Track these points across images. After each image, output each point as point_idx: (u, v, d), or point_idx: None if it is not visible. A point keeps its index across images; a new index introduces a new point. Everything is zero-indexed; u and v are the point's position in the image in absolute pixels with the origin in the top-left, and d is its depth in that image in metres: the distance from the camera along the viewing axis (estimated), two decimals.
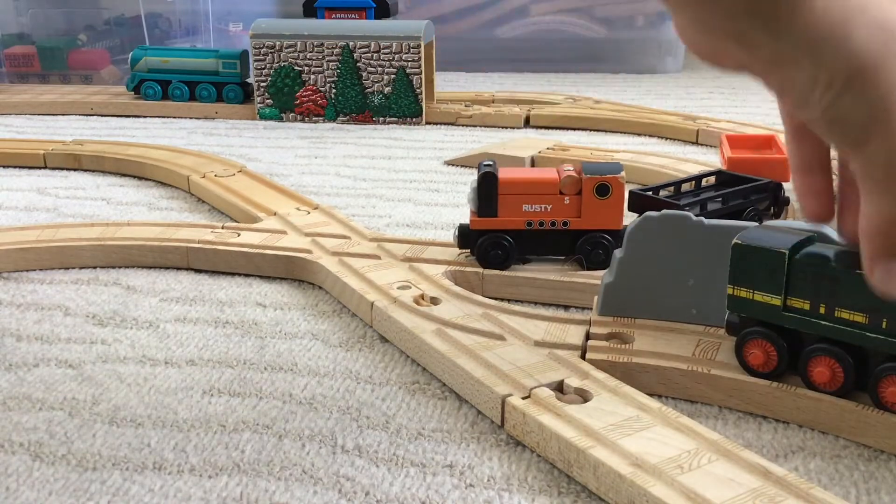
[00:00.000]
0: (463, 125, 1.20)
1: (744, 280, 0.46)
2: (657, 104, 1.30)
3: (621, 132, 1.13)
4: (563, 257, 0.64)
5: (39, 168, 1.01)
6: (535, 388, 0.46)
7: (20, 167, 1.01)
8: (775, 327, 0.46)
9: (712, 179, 0.75)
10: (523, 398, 0.46)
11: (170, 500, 0.41)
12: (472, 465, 0.43)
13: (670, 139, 1.10)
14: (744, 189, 0.69)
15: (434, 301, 0.58)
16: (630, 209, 0.67)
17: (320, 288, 0.65)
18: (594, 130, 1.15)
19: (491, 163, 0.63)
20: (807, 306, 0.44)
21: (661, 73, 1.62)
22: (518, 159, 0.95)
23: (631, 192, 0.68)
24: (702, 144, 1.06)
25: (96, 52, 1.53)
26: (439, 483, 0.42)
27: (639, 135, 1.12)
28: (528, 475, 0.43)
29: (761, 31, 0.27)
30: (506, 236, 0.63)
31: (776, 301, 0.45)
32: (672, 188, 0.72)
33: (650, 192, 0.69)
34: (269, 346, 0.56)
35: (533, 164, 0.96)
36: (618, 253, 0.55)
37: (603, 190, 0.61)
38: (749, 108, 1.27)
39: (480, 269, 0.63)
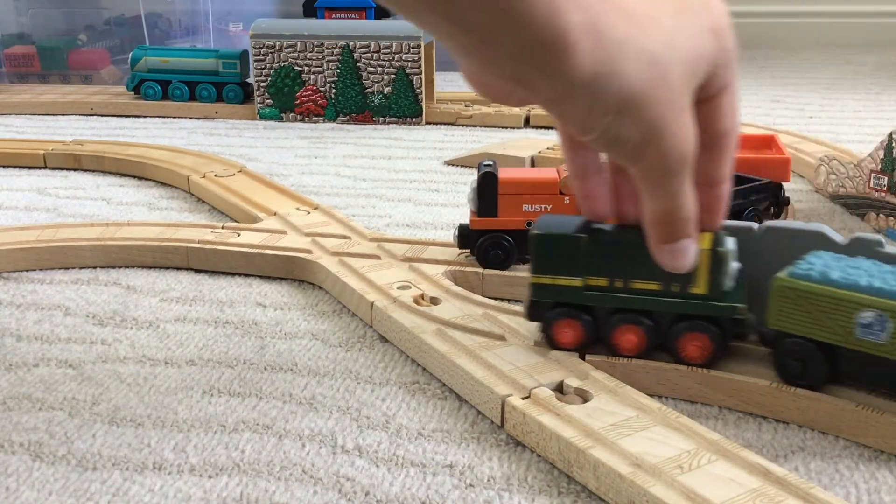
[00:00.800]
0: (463, 125, 1.20)
1: (546, 267, 0.49)
2: None
3: None
4: None
5: (39, 168, 1.01)
6: (535, 388, 0.46)
7: (20, 167, 1.01)
8: (578, 306, 0.49)
9: None
10: (523, 398, 0.46)
11: (170, 500, 0.41)
12: (472, 465, 0.43)
13: None
14: (743, 189, 0.69)
15: (434, 301, 0.58)
16: None
17: (320, 288, 0.65)
18: None
19: (491, 163, 0.63)
20: (604, 283, 0.48)
21: None
22: (518, 159, 0.95)
23: None
24: None
25: (96, 52, 1.53)
26: (439, 483, 0.42)
27: None
28: (528, 475, 0.43)
29: (536, 75, 0.30)
30: (506, 236, 0.63)
31: (577, 283, 0.49)
32: None
33: None
34: (269, 346, 0.56)
35: (533, 164, 0.96)
36: None
37: None
38: (749, 109, 1.27)
39: (480, 269, 0.63)
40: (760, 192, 0.70)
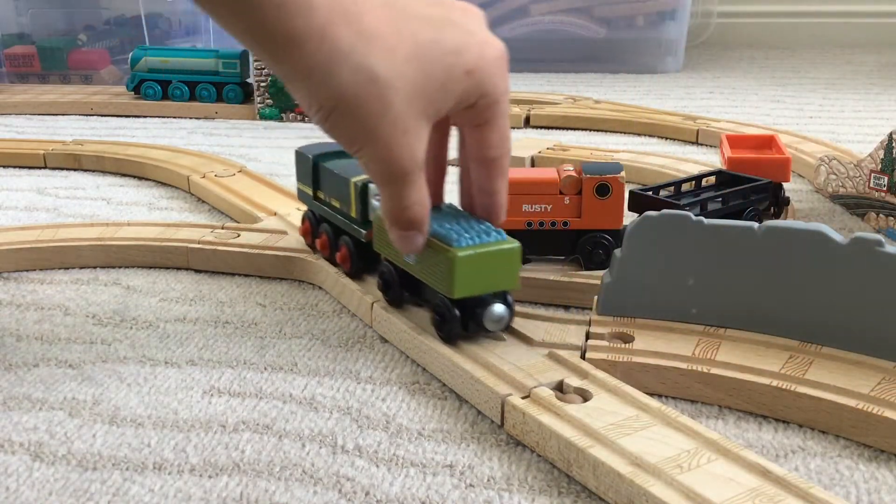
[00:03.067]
0: None
1: (299, 177, 0.65)
2: (657, 104, 1.30)
3: (621, 132, 1.13)
4: (563, 257, 0.64)
5: (39, 168, 1.01)
6: (535, 387, 0.46)
7: (20, 167, 1.01)
8: (313, 212, 0.65)
9: (712, 179, 0.75)
10: (523, 398, 0.46)
11: (170, 500, 0.41)
12: (472, 465, 0.43)
13: (670, 139, 1.10)
14: (743, 189, 0.69)
15: None
16: (630, 209, 0.67)
17: (320, 288, 0.65)
18: (594, 130, 1.15)
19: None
20: (322, 196, 0.62)
21: (661, 73, 1.62)
22: (518, 159, 0.95)
23: (631, 192, 0.67)
24: (702, 144, 1.06)
25: (96, 52, 1.53)
26: (439, 483, 0.42)
27: (639, 135, 1.12)
28: (528, 475, 0.43)
29: (267, 59, 0.37)
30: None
31: (310, 191, 0.63)
32: (672, 188, 0.72)
33: (650, 192, 0.69)
34: (269, 346, 0.56)
35: (533, 164, 0.96)
36: (618, 253, 0.55)
37: (603, 190, 0.61)
38: (749, 108, 1.27)
39: None
40: (760, 192, 0.70)
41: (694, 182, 0.74)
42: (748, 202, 0.69)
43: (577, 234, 0.63)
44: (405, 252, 0.49)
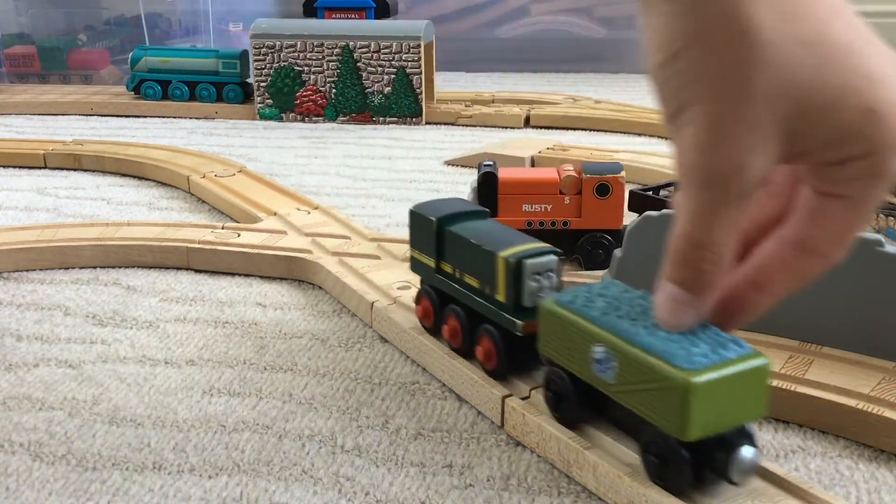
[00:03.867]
0: (463, 125, 1.20)
1: (415, 244, 0.53)
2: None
3: (621, 132, 1.13)
4: (563, 257, 0.64)
5: (39, 168, 1.01)
6: (535, 388, 0.46)
7: (20, 167, 1.01)
8: (434, 287, 0.52)
9: None
10: (523, 398, 0.46)
11: (170, 500, 0.41)
12: (471, 465, 0.43)
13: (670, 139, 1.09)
14: None
15: None
16: (630, 209, 0.67)
17: (320, 288, 0.65)
18: (594, 130, 1.15)
19: (491, 163, 0.63)
20: (450, 270, 0.50)
21: None
22: (518, 159, 0.95)
23: (631, 192, 0.68)
24: None
25: (96, 52, 1.53)
26: (439, 483, 0.42)
27: (639, 135, 1.12)
28: (527, 475, 0.43)
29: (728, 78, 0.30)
30: None
31: (432, 263, 0.51)
32: (672, 188, 0.72)
33: (650, 192, 0.69)
34: (269, 346, 0.56)
35: (533, 164, 0.96)
36: (618, 252, 0.55)
37: (603, 190, 0.61)
38: None
39: None
40: None
41: None
42: None
43: (577, 234, 0.63)
44: (668, 326, 0.35)
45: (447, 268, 0.50)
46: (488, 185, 0.62)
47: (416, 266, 0.53)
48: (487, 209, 0.51)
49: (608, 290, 0.41)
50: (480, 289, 0.47)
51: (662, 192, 0.70)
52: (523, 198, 0.62)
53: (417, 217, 0.51)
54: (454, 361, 0.50)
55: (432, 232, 0.50)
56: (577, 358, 0.39)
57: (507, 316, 0.45)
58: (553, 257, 0.45)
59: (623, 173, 0.62)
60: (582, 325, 0.39)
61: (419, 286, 0.53)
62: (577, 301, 0.40)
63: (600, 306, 0.39)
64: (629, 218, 0.58)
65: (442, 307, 0.51)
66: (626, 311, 0.39)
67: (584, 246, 0.62)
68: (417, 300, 0.53)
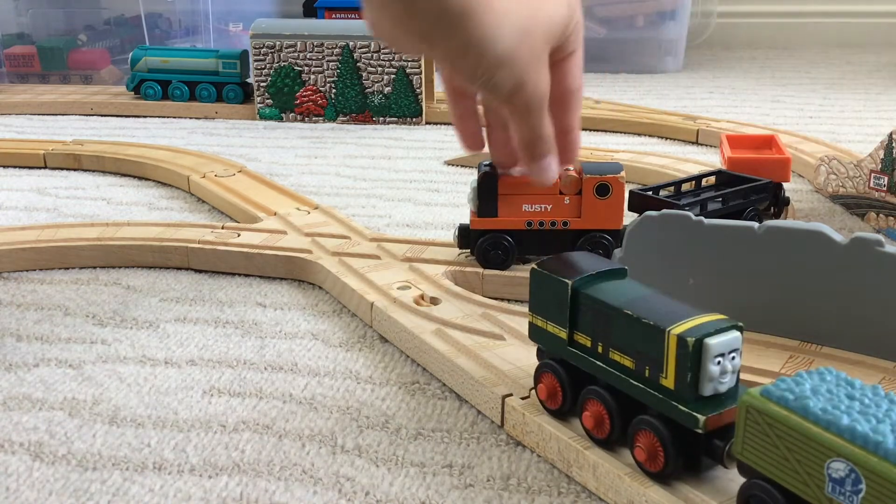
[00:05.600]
0: None
1: (538, 309, 0.44)
2: (657, 104, 1.30)
3: (621, 132, 1.13)
4: None
5: (39, 168, 1.01)
6: (536, 388, 0.46)
7: (20, 167, 1.01)
8: (563, 362, 0.43)
9: (712, 179, 0.75)
10: (523, 398, 0.46)
11: (170, 500, 0.41)
12: (471, 464, 0.43)
13: (670, 139, 1.10)
14: (743, 189, 0.69)
15: (434, 301, 0.58)
16: (630, 209, 0.67)
17: (320, 288, 0.65)
18: (594, 130, 1.15)
19: (491, 162, 0.63)
20: (588, 343, 0.42)
21: (661, 73, 1.62)
22: None
23: (631, 192, 0.68)
24: (702, 144, 1.06)
25: (96, 52, 1.53)
26: (439, 483, 0.42)
27: (639, 135, 1.12)
28: (527, 475, 0.43)
29: (441, 36, 0.39)
30: (506, 236, 0.63)
31: (563, 334, 0.43)
32: (672, 188, 0.72)
33: (650, 192, 0.69)
34: (269, 346, 0.56)
35: None
36: (618, 252, 0.55)
37: (603, 190, 0.61)
38: (749, 108, 1.27)
39: (480, 270, 0.63)
40: (760, 192, 0.70)
41: (694, 182, 0.74)
42: (748, 202, 0.69)
43: (577, 234, 0.63)
44: (545, 183, 0.47)
45: (584, 341, 0.42)
46: (488, 185, 0.62)
47: (537, 335, 0.44)
48: (626, 267, 0.44)
49: (826, 379, 0.34)
50: (637, 370, 0.39)
51: (662, 192, 0.70)
52: (523, 198, 0.62)
53: (543, 277, 0.43)
54: (454, 361, 0.50)
55: (566, 297, 0.42)
56: (801, 473, 0.32)
57: (683, 408, 0.37)
58: (737, 334, 0.37)
59: (623, 173, 0.62)
60: (812, 432, 0.31)
61: (540, 359, 0.45)
62: (794, 394, 0.33)
63: (826, 402, 0.32)
64: (629, 218, 0.58)
65: (574, 387, 0.43)
66: (860, 408, 0.32)
67: (585, 246, 0.62)
68: (538, 377, 0.45)
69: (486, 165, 0.63)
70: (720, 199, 0.68)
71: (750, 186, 0.70)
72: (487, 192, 0.62)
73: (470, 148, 0.53)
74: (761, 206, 0.71)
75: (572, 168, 0.63)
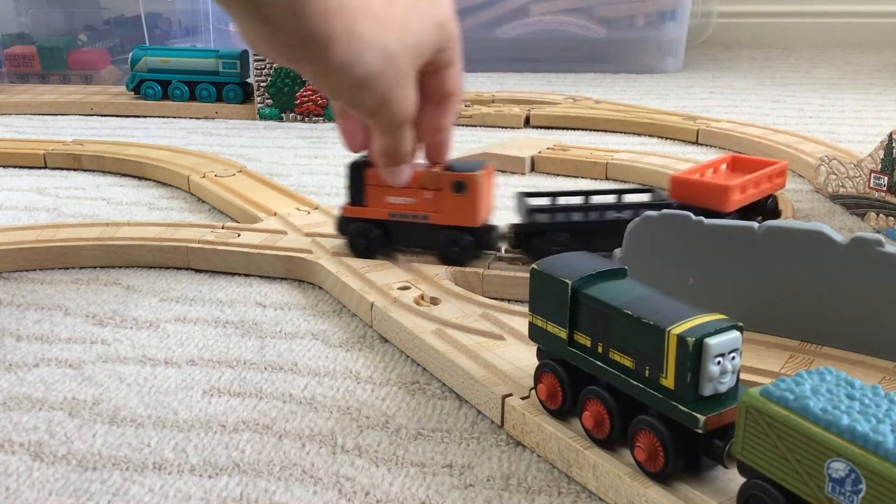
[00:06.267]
0: (463, 125, 1.20)
1: (538, 309, 0.44)
2: (657, 104, 1.30)
3: (621, 132, 1.13)
4: (426, 250, 0.66)
5: (39, 168, 1.01)
6: (535, 388, 0.46)
7: (20, 167, 1.01)
8: (563, 362, 0.43)
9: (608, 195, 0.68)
10: (523, 398, 0.46)
11: (170, 500, 0.41)
12: (471, 465, 0.43)
13: (670, 139, 1.10)
14: (617, 205, 0.65)
15: (434, 301, 0.58)
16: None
17: (320, 288, 0.65)
18: (594, 130, 1.15)
19: (364, 154, 0.62)
20: (588, 343, 0.42)
21: (661, 73, 1.62)
22: (518, 159, 0.95)
23: (518, 195, 0.66)
24: (702, 144, 1.06)
25: (96, 52, 1.53)
26: (439, 483, 0.42)
27: (639, 135, 1.12)
28: (527, 475, 0.43)
29: (305, 60, 0.41)
30: (372, 226, 0.65)
31: (563, 334, 0.43)
32: (567, 198, 0.67)
33: (535, 199, 0.66)
34: (269, 346, 0.56)
35: (533, 164, 0.96)
36: (618, 252, 0.55)
37: (459, 187, 0.63)
38: (749, 108, 1.27)
39: (480, 270, 0.63)
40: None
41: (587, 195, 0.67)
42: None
43: (436, 229, 0.64)
44: (397, 184, 0.53)
45: (584, 340, 0.42)
46: (355, 176, 0.65)
47: (537, 335, 0.44)
48: (625, 267, 0.44)
49: (826, 379, 0.34)
50: (637, 370, 0.39)
51: (561, 200, 0.66)
52: (388, 190, 0.64)
53: (543, 277, 0.43)
54: (454, 361, 0.50)
55: (566, 297, 0.42)
56: (801, 473, 0.32)
57: (683, 408, 0.37)
58: (737, 334, 0.37)
59: (482, 172, 0.62)
60: (812, 432, 0.32)
61: (540, 359, 0.45)
62: (794, 394, 0.33)
63: (826, 402, 0.32)
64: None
65: (574, 387, 0.43)
66: (860, 408, 0.32)
67: (441, 241, 0.64)
68: (538, 377, 0.45)
69: (362, 156, 0.63)
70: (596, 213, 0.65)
71: (623, 203, 0.65)
72: (355, 183, 0.65)
73: (350, 147, 0.55)
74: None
75: (440, 165, 0.62)
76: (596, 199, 0.66)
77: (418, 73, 0.47)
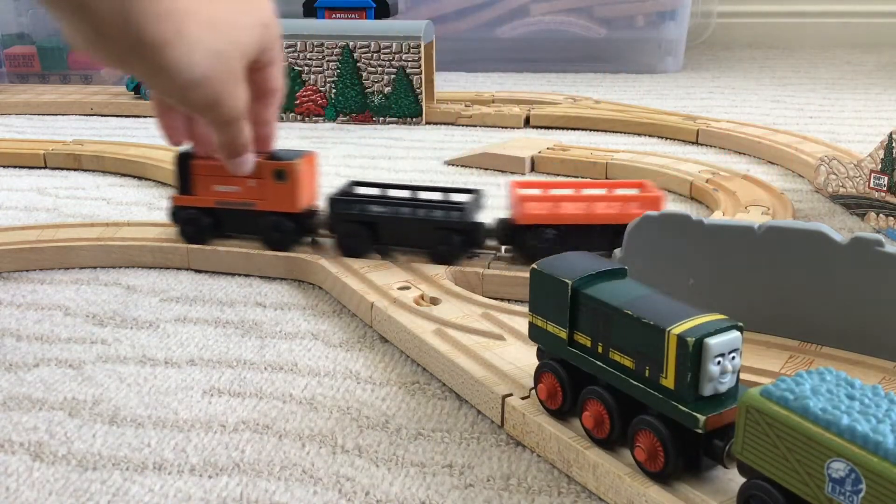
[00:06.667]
0: (463, 125, 1.20)
1: (538, 309, 0.44)
2: (657, 104, 1.30)
3: (621, 132, 1.13)
4: (254, 236, 0.69)
5: (39, 168, 1.01)
6: (536, 388, 0.46)
7: (20, 167, 1.01)
8: (563, 362, 0.43)
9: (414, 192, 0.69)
10: (523, 398, 0.46)
11: (170, 500, 0.41)
12: (471, 464, 0.43)
13: (670, 139, 1.10)
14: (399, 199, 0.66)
15: (434, 301, 0.58)
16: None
17: (320, 288, 0.65)
18: (594, 130, 1.15)
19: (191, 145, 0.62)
20: (588, 343, 0.42)
21: (661, 73, 1.62)
22: (518, 159, 0.95)
23: (329, 199, 0.67)
24: (702, 144, 1.06)
25: None
26: (439, 483, 0.42)
27: (639, 135, 1.12)
28: (527, 475, 0.43)
29: (136, 62, 0.42)
30: (202, 214, 0.68)
31: (563, 334, 0.43)
32: (383, 189, 0.68)
33: (363, 188, 0.68)
34: (269, 346, 0.56)
35: (533, 164, 0.96)
36: (617, 252, 0.55)
37: (280, 175, 0.66)
38: (749, 108, 1.27)
39: (480, 269, 0.63)
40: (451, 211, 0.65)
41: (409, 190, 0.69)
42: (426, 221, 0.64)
43: (261, 215, 0.67)
44: (242, 173, 0.55)
45: (584, 340, 0.42)
46: (182, 165, 0.67)
47: (537, 335, 0.44)
48: (625, 267, 0.43)
49: (826, 379, 0.34)
50: (637, 370, 0.39)
51: (362, 190, 0.68)
52: (214, 179, 0.67)
53: (543, 277, 0.43)
54: (454, 361, 0.50)
55: (566, 297, 0.42)
56: (801, 473, 0.32)
57: (683, 408, 0.37)
58: (737, 334, 0.37)
59: (303, 160, 0.66)
60: (812, 432, 0.32)
61: (540, 359, 0.45)
62: (794, 394, 0.33)
63: (826, 402, 0.32)
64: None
65: (574, 387, 0.43)
66: (860, 408, 0.32)
67: (265, 226, 0.67)
68: (538, 377, 0.44)
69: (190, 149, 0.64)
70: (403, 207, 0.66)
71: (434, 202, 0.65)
72: (183, 173, 0.68)
73: (171, 141, 0.57)
74: (455, 240, 0.64)
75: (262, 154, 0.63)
76: (398, 193, 0.68)
77: (245, 71, 0.49)
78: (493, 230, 0.64)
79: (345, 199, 0.66)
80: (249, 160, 0.55)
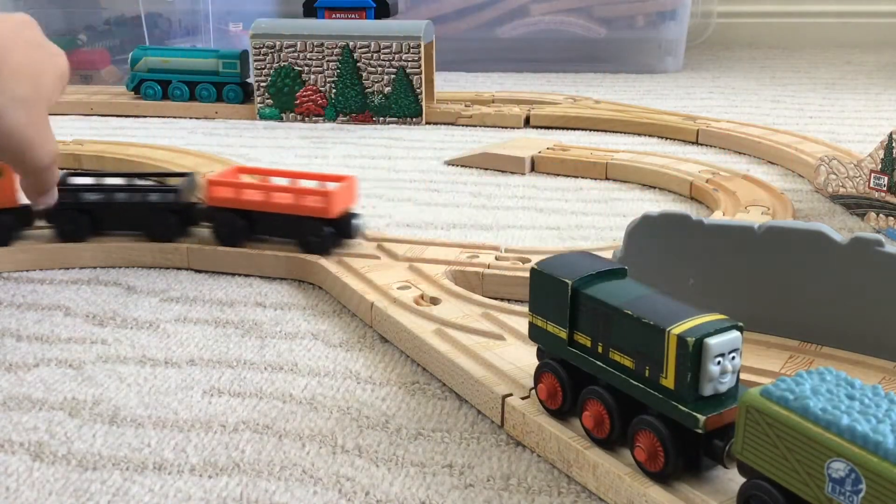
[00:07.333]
0: (463, 125, 1.20)
1: (538, 309, 0.44)
2: (657, 104, 1.30)
3: (621, 132, 1.13)
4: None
5: None
6: (536, 388, 0.46)
7: None
8: (563, 362, 0.43)
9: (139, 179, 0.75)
10: (523, 398, 0.46)
11: (170, 500, 0.41)
12: (471, 464, 0.44)
13: (670, 139, 1.10)
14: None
15: (434, 301, 0.58)
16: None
17: (320, 288, 0.65)
18: (594, 130, 1.15)
19: None
20: (588, 343, 0.42)
21: (661, 73, 1.62)
22: (518, 159, 0.95)
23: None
24: (702, 144, 1.06)
25: (96, 52, 1.53)
26: (439, 483, 0.42)
27: (639, 135, 1.12)
28: (527, 475, 0.43)
29: None
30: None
31: (563, 334, 0.43)
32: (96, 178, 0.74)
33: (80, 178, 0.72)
34: (269, 346, 0.56)
35: (533, 165, 0.96)
36: (618, 252, 0.55)
37: None
38: (749, 108, 1.27)
39: (480, 269, 0.63)
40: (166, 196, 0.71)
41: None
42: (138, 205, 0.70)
43: None
44: (48, 203, 0.59)
45: (584, 340, 0.42)
46: None
47: (537, 335, 0.44)
48: (625, 267, 0.43)
49: (826, 379, 0.34)
50: (637, 370, 0.39)
51: (80, 179, 0.72)
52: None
53: (543, 277, 0.43)
54: (454, 361, 0.50)
55: (566, 297, 0.42)
56: (801, 473, 0.32)
57: (683, 408, 0.37)
58: (737, 334, 0.37)
59: None
60: (812, 432, 0.32)
61: (540, 359, 0.45)
62: (794, 394, 0.33)
63: (826, 402, 0.32)
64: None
65: (574, 387, 0.43)
66: (860, 408, 0.32)
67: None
68: (538, 377, 0.44)
69: None
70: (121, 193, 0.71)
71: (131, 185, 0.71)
72: None
73: None
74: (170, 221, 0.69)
75: None
76: (115, 181, 0.73)
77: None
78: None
79: (61, 189, 0.66)
80: (54, 195, 0.59)
